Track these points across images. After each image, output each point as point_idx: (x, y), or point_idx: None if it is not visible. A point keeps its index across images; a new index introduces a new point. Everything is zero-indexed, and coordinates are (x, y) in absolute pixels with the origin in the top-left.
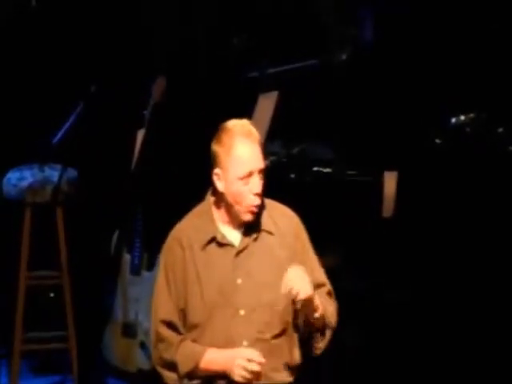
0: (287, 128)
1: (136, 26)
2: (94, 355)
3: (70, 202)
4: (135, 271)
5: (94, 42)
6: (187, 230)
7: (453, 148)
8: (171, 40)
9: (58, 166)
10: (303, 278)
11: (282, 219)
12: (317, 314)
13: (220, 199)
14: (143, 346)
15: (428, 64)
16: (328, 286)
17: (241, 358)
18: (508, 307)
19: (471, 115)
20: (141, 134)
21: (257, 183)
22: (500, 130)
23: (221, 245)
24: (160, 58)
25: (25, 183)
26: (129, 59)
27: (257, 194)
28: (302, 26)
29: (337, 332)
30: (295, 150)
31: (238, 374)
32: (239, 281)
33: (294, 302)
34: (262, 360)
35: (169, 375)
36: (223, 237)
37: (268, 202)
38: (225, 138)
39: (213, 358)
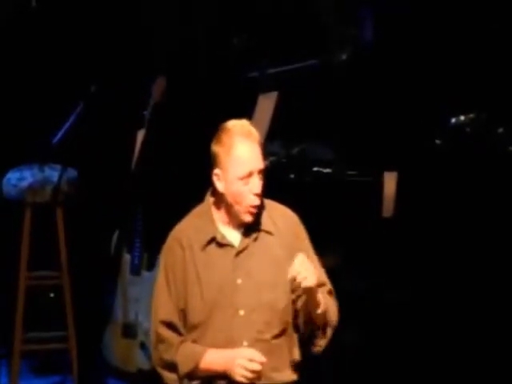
0: (287, 128)
1: (136, 26)
2: (93, 355)
3: (70, 202)
4: (135, 271)
5: (93, 42)
6: (187, 230)
7: (453, 148)
8: (171, 40)
9: (58, 166)
10: (309, 268)
11: (281, 219)
12: (319, 311)
13: (220, 199)
14: (143, 346)
15: (428, 64)
16: (329, 286)
17: (241, 358)
18: (508, 307)
19: (471, 115)
20: (141, 134)
21: (256, 183)
22: (500, 130)
23: (221, 245)
24: (160, 58)
25: (25, 183)
26: (129, 59)
27: (256, 195)
28: (301, 26)
29: (337, 332)
30: (295, 151)
31: (238, 373)
32: (239, 281)
33: (296, 289)
34: (263, 359)
35: (169, 376)
36: (223, 237)
37: (268, 202)
38: (225, 138)
39: (213, 359)
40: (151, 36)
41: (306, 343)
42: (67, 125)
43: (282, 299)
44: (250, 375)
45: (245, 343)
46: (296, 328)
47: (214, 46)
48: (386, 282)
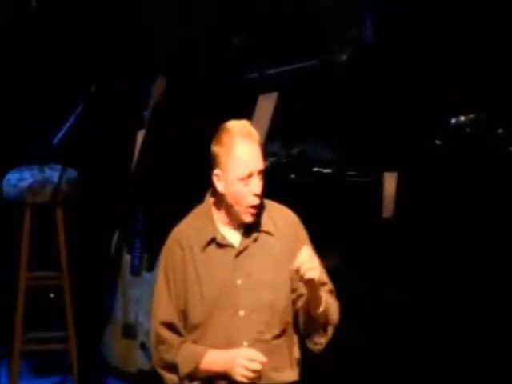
0: (287, 128)
1: (136, 26)
2: (93, 356)
3: (70, 202)
4: (135, 272)
5: (93, 42)
6: (187, 231)
7: (453, 149)
8: (171, 40)
9: (58, 167)
10: (314, 260)
11: (281, 220)
12: (320, 308)
13: (220, 200)
14: (143, 346)
15: (428, 64)
16: (329, 285)
17: (242, 358)
18: (508, 307)
19: (471, 116)
20: (141, 135)
21: (256, 184)
22: (500, 130)
23: (221, 246)
24: (160, 58)
25: (25, 184)
26: (129, 59)
27: (256, 195)
28: (301, 26)
29: (337, 332)
30: (295, 151)
31: (239, 373)
32: (239, 281)
33: (300, 280)
34: (263, 359)
35: (169, 377)
36: (223, 238)
37: (267, 202)
38: (225, 138)
39: (213, 359)
40: (151, 36)
41: (306, 342)
42: (67, 125)
43: (282, 299)
44: (250, 375)
45: (245, 343)
46: (296, 328)
47: (214, 46)
48: (385, 282)
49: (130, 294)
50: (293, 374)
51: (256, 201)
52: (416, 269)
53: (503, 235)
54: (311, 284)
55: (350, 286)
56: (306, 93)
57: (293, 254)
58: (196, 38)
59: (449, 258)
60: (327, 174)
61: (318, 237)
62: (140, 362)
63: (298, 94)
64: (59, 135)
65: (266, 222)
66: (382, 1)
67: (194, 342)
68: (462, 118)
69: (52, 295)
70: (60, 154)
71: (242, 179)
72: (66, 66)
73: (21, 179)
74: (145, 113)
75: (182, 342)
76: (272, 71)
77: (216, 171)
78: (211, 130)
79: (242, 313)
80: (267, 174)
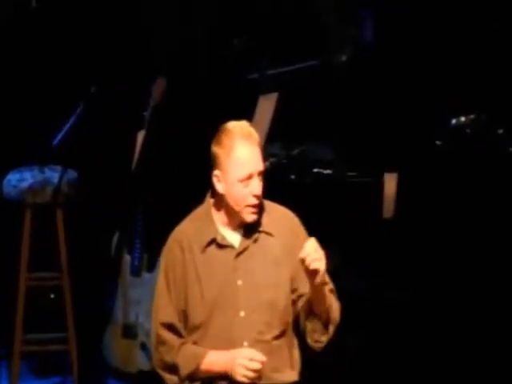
0: (287, 129)
1: (136, 26)
2: (94, 356)
3: (70, 203)
4: (135, 272)
5: (93, 42)
6: (187, 231)
7: (453, 149)
8: (171, 40)
9: (58, 168)
10: (319, 251)
11: (281, 220)
12: (323, 303)
13: (220, 201)
14: (144, 347)
15: (428, 65)
16: (330, 285)
17: (242, 358)
18: (508, 307)
19: (471, 116)
20: (141, 136)
21: (257, 185)
22: (500, 131)
23: (221, 246)
24: (160, 59)
25: (25, 184)
26: (129, 60)
27: (256, 196)
28: (301, 27)
29: (337, 332)
30: (295, 152)
31: (239, 373)
32: (239, 282)
33: (305, 270)
34: (263, 359)
35: (170, 377)
36: (223, 238)
37: (267, 203)
38: (225, 139)
39: (214, 360)
40: (151, 36)
41: (307, 339)
42: (67, 126)
43: (283, 300)
44: (250, 374)
45: (245, 344)
46: (296, 327)
47: (213, 47)
48: (385, 282)
49: (130, 294)
50: (293, 375)
51: (256, 202)
52: (416, 269)
53: (503, 235)
54: (316, 276)
55: (350, 286)
56: (306, 93)
57: (293, 254)
58: (196, 38)
59: (449, 259)
60: (327, 174)
61: (318, 237)
62: (140, 362)
63: (298, 95)
64: (59, 136)
65: (266, 222)
66: (382, 1)
67: (195, 342)
68: (463, 119)
69: (52, 296)
70: (60, 155)
71: (242, 180)
72: (66, 66)
73: (21, 180)
74: (145, 113)
75: (183, 343)
76: (272, 72)
77: (216, 172)
78: (211, 130)
79: (242, 313)
80: (267, 175)
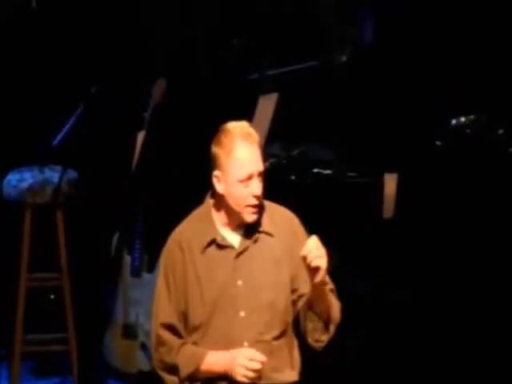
0: (287, 130)
1: (136, 26)
2: (94, 357)
3: (70, 203)
4: (135, 273)
5: (94, 42)
6: (187, 232)
7: (453, 149)
8: (171, 40)
9: (58, 168)
10: (321, 248)
11: (281, 221)
12: (324, 302)
13: (220, 201)
14: (144, 347)
15: (428, 65)
16: (330, 285)
17: (242, 358)
18: (508, 307)
19: (471, 117)
20: (141, 136)
21: (257, 186)
22: (500, 131)
23: (221, 247)
24: (160, 59)
25: (25, 184)
26: (129, 60)
27: (256, 197)
28: (302, 27)
29: (337, 332)
30: (295, 152)
31: (239, 373)
32: (239, 282)
33: (307, 267)
34: (263, 359)
35: (170, 378)
36: (223, 239)
37: (267, 203)
38: (225, 140)
39: (214, 360)
40: (151, 36)
41: (308, 338)
42: (67, 126)
43: (283, 300)
44: (250, 374)
45: (245, 344)
46: (296, 327)
47: (214, 47)
48: (385, 282)
49: (130, 294)
50: (293, 375)
51: (256, 202)
52: (416, 269)
53: (503, 236)
54: (317, 273)
55: (350, 286)
56: (306, 93)
57: (293, 254)
58: (196, 38)
59: (449, 259)
60: (327, 174)
61: (318, 238)
62: (140, 362)
63: (298, 95)
64: (59, 136)
65: (265, 222)
66: (382, 1)
67: (195, 343)
68: (463, 119)
69: (52, 296)
70: (60, 155)
71: (242, 181)
72: (67, 66)
73: (21, 180)
74: (145, 114)
75: (183, 344)
76: (272, 72)
77: (216, 172)
78: (211, 131)
79: (242, 313)
80: (267, 175)
